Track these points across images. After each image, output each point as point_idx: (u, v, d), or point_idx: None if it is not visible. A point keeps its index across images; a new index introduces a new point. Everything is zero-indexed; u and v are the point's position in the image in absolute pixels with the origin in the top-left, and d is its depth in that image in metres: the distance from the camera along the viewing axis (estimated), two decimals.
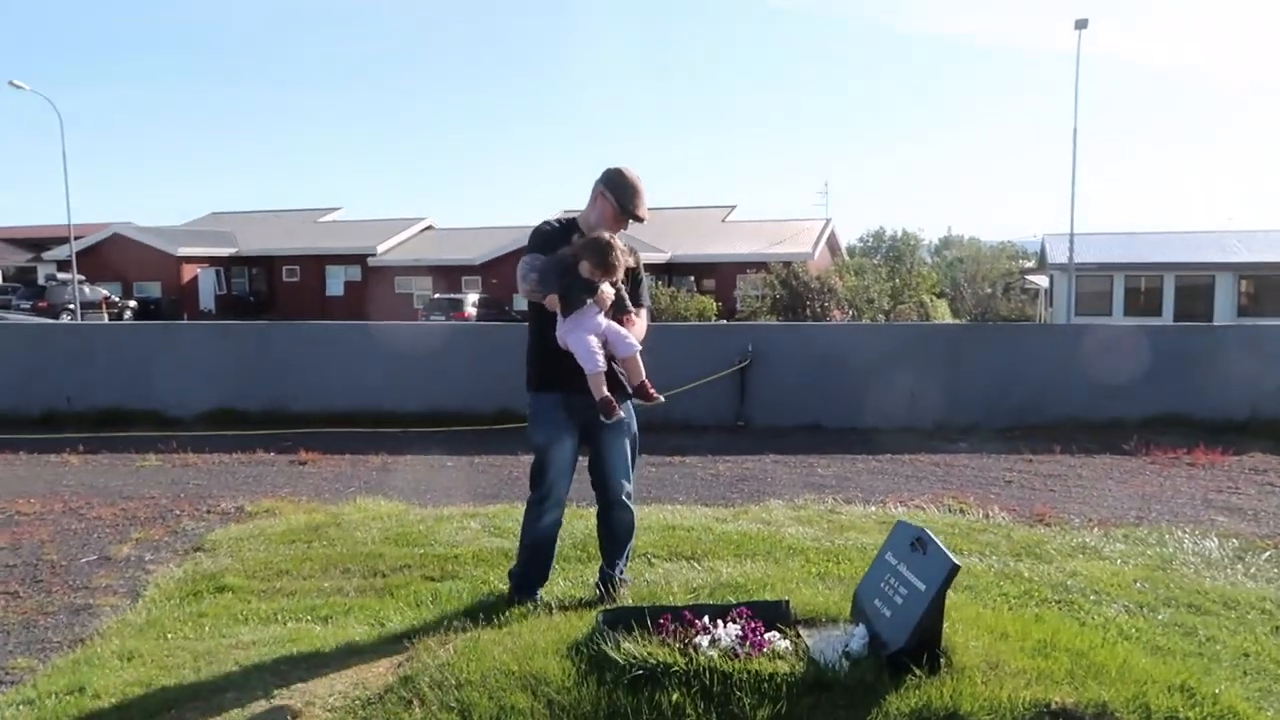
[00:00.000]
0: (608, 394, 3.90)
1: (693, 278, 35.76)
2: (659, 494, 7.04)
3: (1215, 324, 23.42)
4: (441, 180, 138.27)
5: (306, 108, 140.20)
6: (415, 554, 5.17)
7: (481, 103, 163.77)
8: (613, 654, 3.28)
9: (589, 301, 3.85)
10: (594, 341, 3.88)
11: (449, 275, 38.39)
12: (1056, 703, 3.20)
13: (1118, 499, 7.00)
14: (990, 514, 6.34)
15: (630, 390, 4.07)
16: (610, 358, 3.95)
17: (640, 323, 4.15)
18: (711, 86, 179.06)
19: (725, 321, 24.11)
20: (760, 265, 31.51)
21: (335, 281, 43.04)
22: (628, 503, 4.26)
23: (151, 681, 3.48)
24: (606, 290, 3.91)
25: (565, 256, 3.93)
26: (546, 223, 4.14)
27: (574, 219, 4.15)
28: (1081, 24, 27.91)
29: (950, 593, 4.53)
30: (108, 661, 3.74)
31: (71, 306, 33.88)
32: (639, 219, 4.05)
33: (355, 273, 42.16)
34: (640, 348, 4.02)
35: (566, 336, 3.91)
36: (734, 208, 43.14)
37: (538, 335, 4.10)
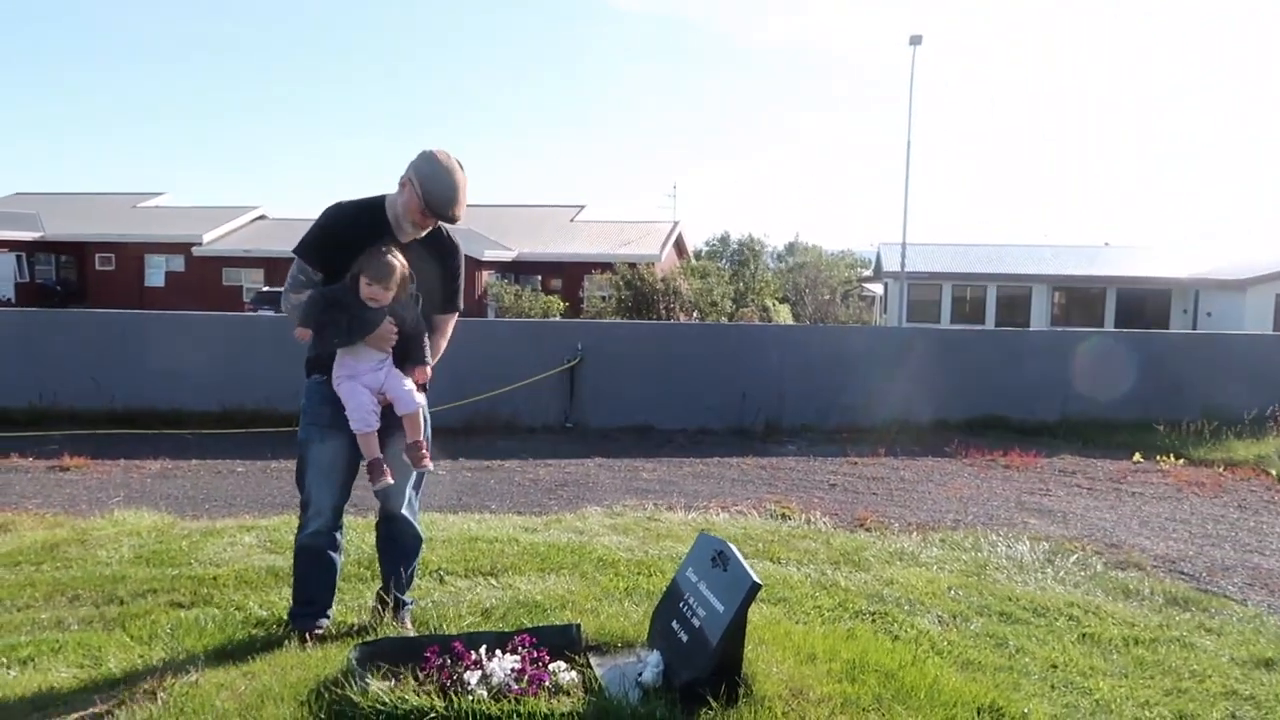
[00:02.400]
0: (379, 454, 3.45)
1: (539, 277, 35.15)
2: (469, 501, 6.51)
3: (1026, 329, 24.78)
4: (275, 170, 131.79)
5: (129, 86, 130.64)
6: (166, 576, 4.46)
7: (322, 91, 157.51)
8: (357, 699, 2.76)
9: (364, 340, 3.38)
10: (368, 399, 3.42)
11: (284, 267, 36.22)
12: None
13: (937, 502, 6.98)
14: (812, 519, 6.15)
15: (405, 443, 3.52)
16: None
17: (447, 329, 3.70)
18: (557, 85, 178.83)
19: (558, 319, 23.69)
20: (607, 266, 31.26)
21: (156, 272, 39.92)
22: (410, 516, 3.74)
23: None
24: (385, 332, 3.39)
25: (336, 291, 3.37)
26: (342, 205, 3.54)
27: (381, 201, 3.50)
28: (916, 40, 29.07)
29: (764, 606, 4.27)
30: None
31: None
32: (449, 220, 3.40)
33: (178, 263, 39.25)
34: (420, 407, 3.51)
35: (340, 384, 3.43)
36: (582, 208, 42.70)
37: None
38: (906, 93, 39.67)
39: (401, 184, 3.39)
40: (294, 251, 3.52)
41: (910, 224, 35.90)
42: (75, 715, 2.91)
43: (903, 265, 29.77)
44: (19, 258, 39.09)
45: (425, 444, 3.53)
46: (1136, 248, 37.25)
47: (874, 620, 4.12)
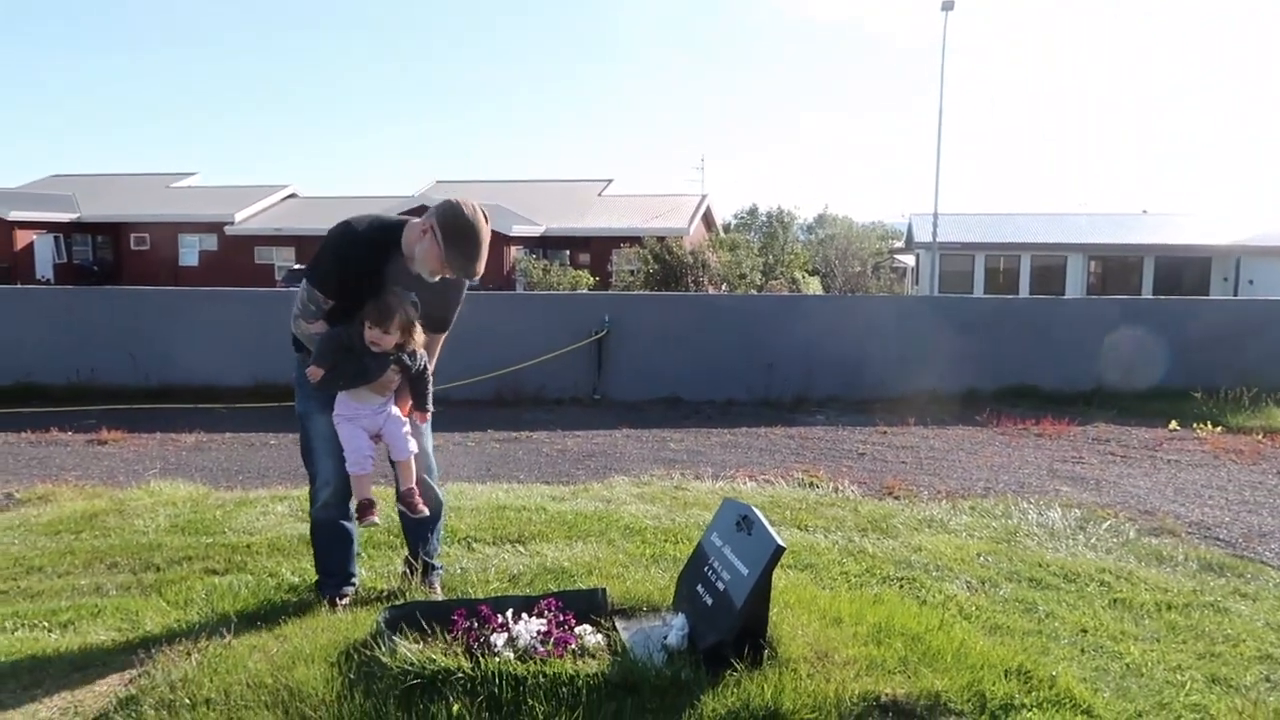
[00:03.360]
0: (370, 496, 3.52)
1: (568, 251, 35.12)
2: (498, 472, 6.56)
3: (1060, 297, 24.36)
4: (306, 149, 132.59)
5: (159, 72, 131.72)
6: (201, 544, 4.54)
7: (350, 70, 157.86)
8: (386, 659, 2.80)
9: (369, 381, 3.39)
10: (365, 443, 3.46)
11: (315, 245, 36.44)
12: (887, 695, 2.91)
13: (967, 470, 6.92)
14: (840, 487, 6.13)
15: (398, 491, 3.60)
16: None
17: (436, 348, 3.68)
18: (585, 58, 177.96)
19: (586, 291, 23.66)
20: (635, 239, 31.17)
21: (189, 251, 40.43)
22: (429, 480, 3.76)
23: None
24: (387, 381, 3.42)
25: (350, 333, 3.32)
26: (355, 229, 3.36)
27: (397, 230, 3.37)
28: (948, 5, 28.47)
29: (790, 572, 4.27)
30: None
31: None
32: (468, 277, 3.33)
33: (211, 242, 39.72)
34: (413, 454, 3.53)
35: (340, 425, 3.45)
36: (610, 181, 42.55)
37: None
38: (938, 61, 38.99)
39: (423, 230, 3.26)
40: (305, 278, 3.42)
41: (942, 195, 35.42)
42: (114, 674, 2.98)
43: (934, 235, 29.37)
44: (57, 239, 39.74)
45: (417, 492, 3.56)
46: (1175, 215, 36.44)
47: (901, 586, 4.11)
